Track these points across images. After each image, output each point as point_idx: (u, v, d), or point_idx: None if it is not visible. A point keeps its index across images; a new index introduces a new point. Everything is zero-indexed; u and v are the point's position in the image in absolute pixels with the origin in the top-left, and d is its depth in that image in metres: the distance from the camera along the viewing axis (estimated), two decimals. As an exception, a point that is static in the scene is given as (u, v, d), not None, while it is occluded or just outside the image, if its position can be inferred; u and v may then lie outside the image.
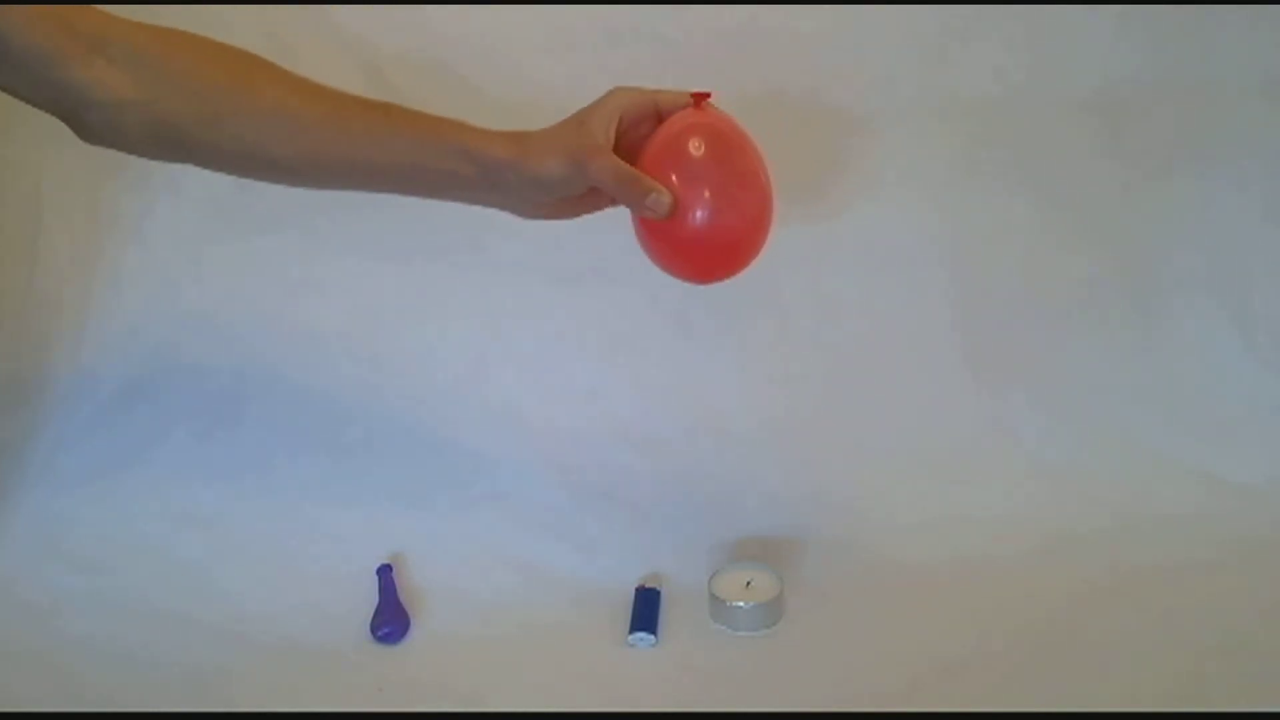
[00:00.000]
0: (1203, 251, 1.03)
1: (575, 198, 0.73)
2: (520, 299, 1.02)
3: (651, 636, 0.82)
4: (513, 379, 1.01)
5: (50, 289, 1.00)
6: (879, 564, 0.89)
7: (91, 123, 0.69)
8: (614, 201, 0.73)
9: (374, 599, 0.86)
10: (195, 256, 1.00)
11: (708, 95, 0.75)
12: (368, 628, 0.83)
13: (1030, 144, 1.01)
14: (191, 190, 0.99)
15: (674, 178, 0.70)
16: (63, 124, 0.70)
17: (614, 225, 1.01)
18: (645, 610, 0.84)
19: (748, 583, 0.85)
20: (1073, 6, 0.98)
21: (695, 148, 0.72)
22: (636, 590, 0.86)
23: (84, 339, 0.99)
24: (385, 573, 0.88)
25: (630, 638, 0.82)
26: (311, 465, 0.97)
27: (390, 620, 0.83)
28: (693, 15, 0.98)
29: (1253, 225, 1.02)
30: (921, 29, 0.98)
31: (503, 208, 0.74)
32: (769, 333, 1.02)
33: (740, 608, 0.83)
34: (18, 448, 0.95)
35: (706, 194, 0.71)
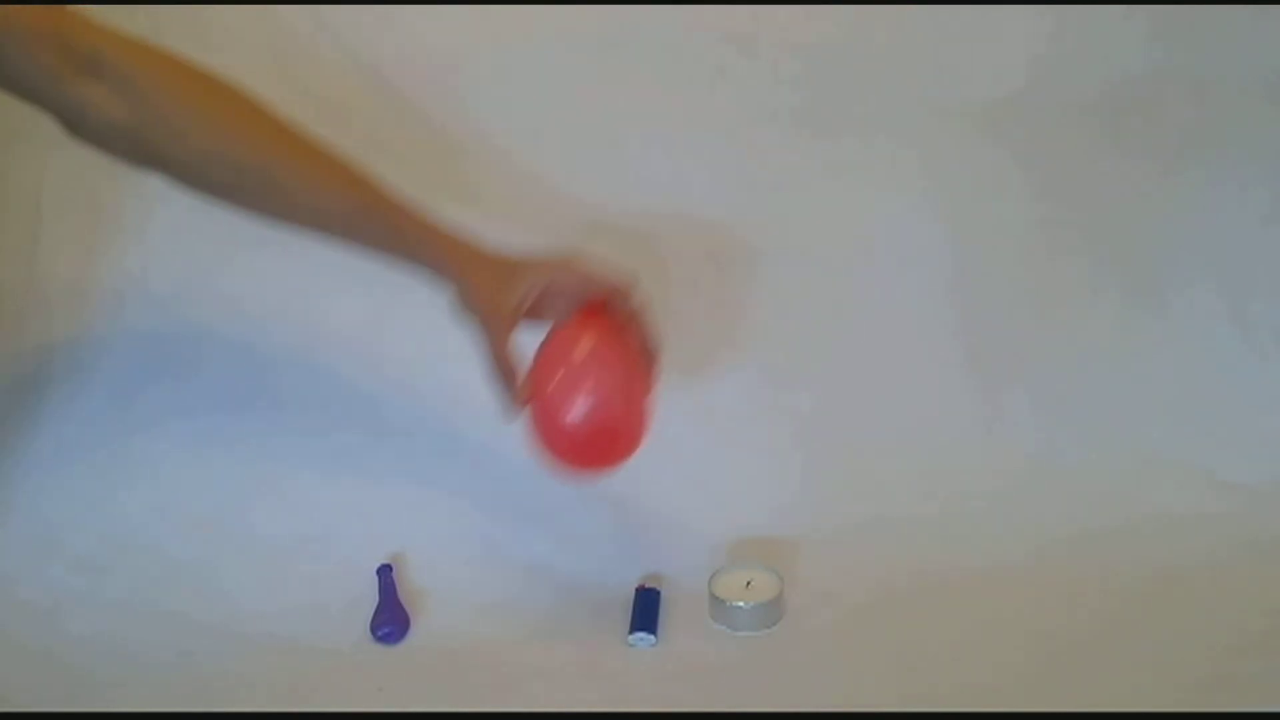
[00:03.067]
0: (1205, 252, 1.03)
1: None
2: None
3: (651, 636, 0.82)
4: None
5: (50, 289, 1.00)
6: (879, 564, 0.89)
7: (80, 133, 0.72)
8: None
9: (374, 599, 0.86)
10: (195, 257, 1.00)
11: (606, 303, 0.78)
12: (368, 628, 0.83)
13: (1032, 144, 1.01)
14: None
15: (550, 377, 0.76)
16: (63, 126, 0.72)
17: (612, 217, 1.02)
18: (645, 610, 0.84)
19: (748, 583, 0.85)
20: (1074, 6, 0.98)
21: (575, 353, 0.77)
22: (636, 590, 0.86)
23: (84, 339, 0.99)
24: (385, 573, 0.88)
25: (630, 638, 0.82)
26: (312, 465, 0.97)
27: (390, 620, 0.83)
28: (693, 15, 0.98)
29: (1255, 226, 1.02)
30: (923, 28, 0.98)
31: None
32: (769, 333, 1.02)
33: (740, 608, 0.83)
34: (18, 448, 0.95)
35: (572, 399, 0.76)
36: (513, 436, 0.99)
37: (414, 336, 1.01)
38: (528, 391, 0.76)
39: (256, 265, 1.00)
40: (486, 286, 0.76)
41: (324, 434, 0.98)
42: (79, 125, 0.71)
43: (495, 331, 0.76)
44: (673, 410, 1.00)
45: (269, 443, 0.97)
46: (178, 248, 1.00)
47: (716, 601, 0.84)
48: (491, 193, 1.00)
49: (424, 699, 0.76)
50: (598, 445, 0.78)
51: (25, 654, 0.81)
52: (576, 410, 0.76)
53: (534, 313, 0.77)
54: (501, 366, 0.76)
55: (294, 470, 0.97)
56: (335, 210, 0.76)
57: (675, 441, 0.99)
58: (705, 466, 0.98)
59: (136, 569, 0.89)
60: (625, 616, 0.84)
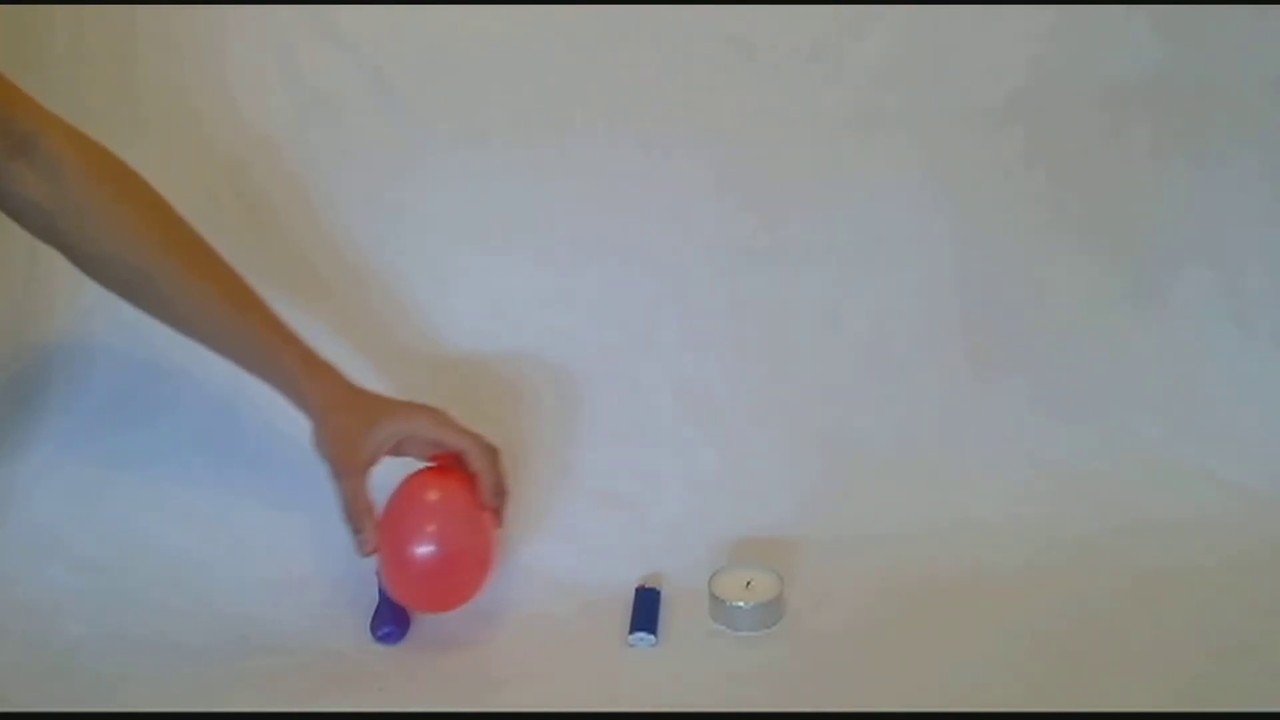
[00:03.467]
0: (1208, 252, 1.03)
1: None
2: (520, 298, 1.02)
3: (651, 636, 0.82)
4: (511, 380, 1.01)
5: (50, 290, 1.00)
6: (879, 564, 0.89)
7: (2, 203, 0.76)
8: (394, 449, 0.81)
9: (374, 599, 0.86)
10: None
11: (452, 459, 0.82)
12: (368, 628, 0.83)
13: (1034, 143, 1.01)
14: (193, 191, 0.99)
15: (398, 526, 0.79)
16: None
17: (614, 221, 1.02)
18: (645, 610, 0.84)
19: (748, 583, 0.85)
20: (1074, 6, 0.98)
21: (422, 501, 0.80)
22: (636, 590, 0.86)
23: (84, 339, 0.99)
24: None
25: (630, 638, 0.82)
26: (312, 465, 0.97)
27: (390, 620, 0.83)
28: (693, 15, 0.98)
29: (1258, 225, 1.02)
30: (924, 28, 0.98)
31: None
32: (769, 333, 1.02)
33: (740, 608, 0.83)
34: (18, 447, 0.95)
35: (415, 547, 0.79)
36: (512, 436, 0.99)
37: (414, 336, 1.01)
38: (374, 541, 0.80)
39: (259, 264, 1.00)
40: (343, 434, 0.80)
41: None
42: (2, 195, 0.75)
43: (346, 479, 0.79)
44: (673, 410, 1.01)
45: (269, 442, 0.97)
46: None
47: (716, 601, 0.84)
48: (492, 192, 1.00)
49: (424, 699, 0.76)
50: (440, 590, 0.81)
51: (25, 654, 0.81)
52: (419, 557, 0.78)
53: (392, 452, 0.81)
54: (351, 510, 0.79)
55: (294, 469, 0.96)
56: (212, 328, 0.81)
57: (675, 441, 0.99)
58: (705, 466, 0.98)
59: (136, 569, 0.89)
60: (625, 616, 0.84)
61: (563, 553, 0.91)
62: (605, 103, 1.00)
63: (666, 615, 0.85)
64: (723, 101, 1.00)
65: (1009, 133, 1.00)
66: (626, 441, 0.99)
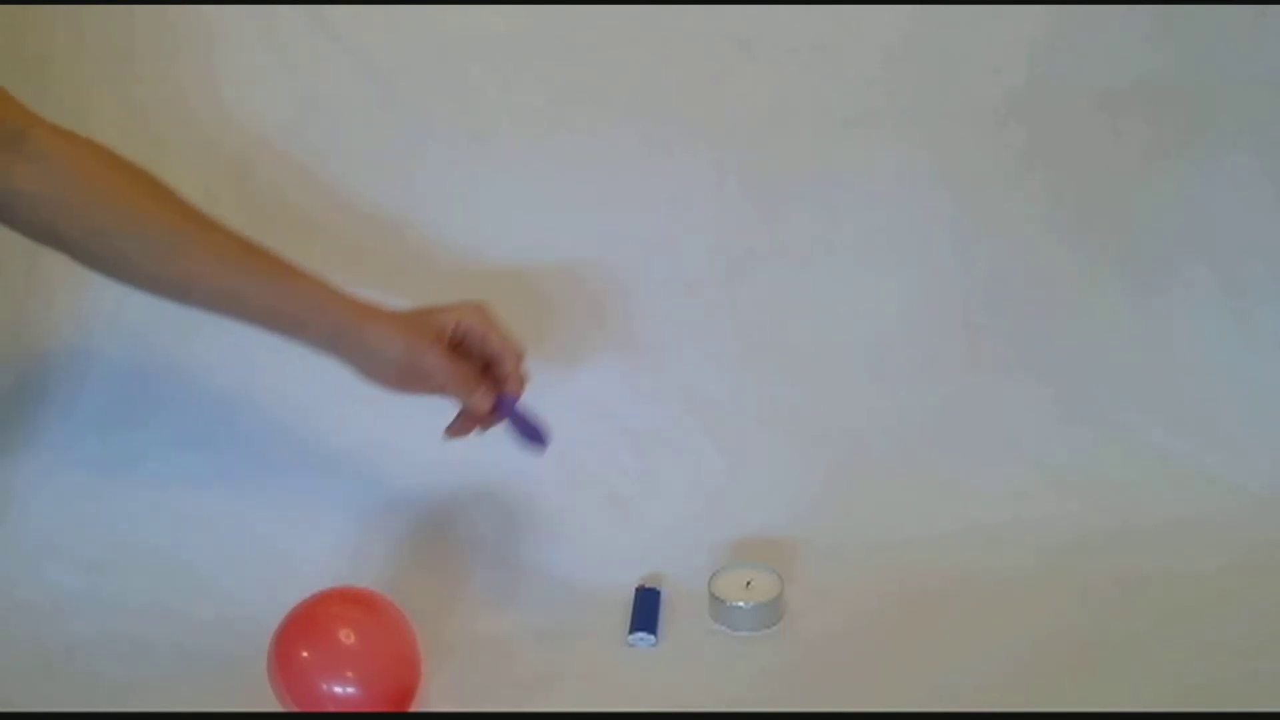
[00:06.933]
0: (1208, 252, 1.03)
1: (407, 379, 0.79)
2: (519, 298, 1.02)
3: (651, 636, 0.82)
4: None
5: (50, 290, 1.00)
6: (879, 564, 0.89)
7: None
8: (443, 389, 0.79)
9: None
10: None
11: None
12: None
13: (1034, 144, 1.01)
14: (192, 191, 0.99)
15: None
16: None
17: (614, 221, 1.02)
18: (645, 610, 0.84)
19: (748, 583, 0.85)
20: (1074, 6, 0.98)
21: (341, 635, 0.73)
22: (636, 590, 0.86)
23: (84, 340, 0.99)
24: (509, 403, 0.82)
25: (630, 638, 0.82)
26: (312, 465, 0.97)
27: (529, 436, 0.82)
28: (693, 15, 0.98)
29: (1261, 225, 1.02)
30: (924, 27, 0.98)
31: (349, 367, 0.79)
32: (770, 332, 1.02)
33: (740, 608, 0.83)
34: (18, 448, 0.95)
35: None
36: (510, 437, 0.99)
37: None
38: (489, 396, 0.79)
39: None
40: (412, 321, 0.78)
41: (325, 434, 0.98)
42: None
43: (435, 349, 0.77)
44: (673, 410, 1.01)
45: (270, 442, 0.97)
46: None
47: (716, 601, 0.84)
48: (491, 193, 1.00)
49: (424, 699, 0.76)
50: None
51: (25, 654, 0.81)
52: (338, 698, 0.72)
53: (449, 346, 0.79)
54: (452, 376, 0.78)
55: (294, 470, 0.97)
56: (244, 286, 0.77)
57: (675, 442, 0.99)
58: (705, 466, 0.98)
59: (136, 569, 0.89)
60: (625, 616, 0.84)
61: (563, 553, 0.91)
62: (606, 102, 1.00)
63: (666, 615, 0.85)
64: (723, 101, 1.00)
65: (1009, 133, 1.00)
66: (627, 442, 0.99)
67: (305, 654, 0.72)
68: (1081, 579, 0.86)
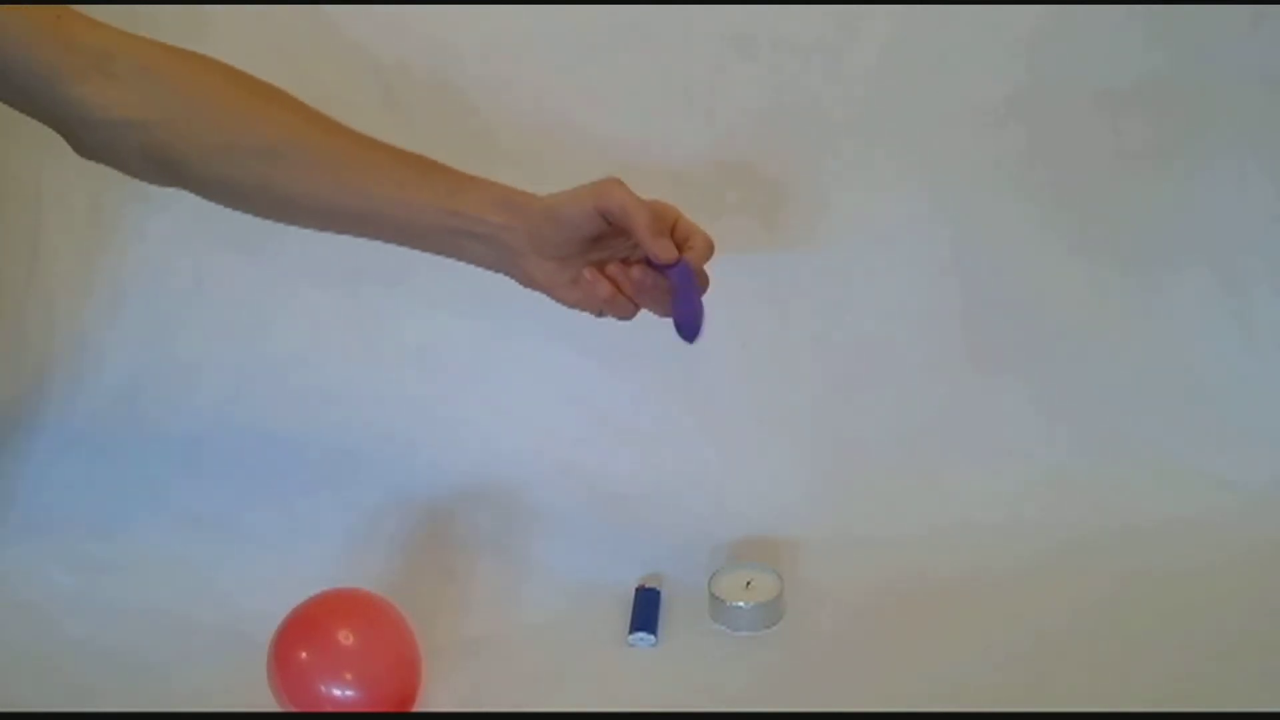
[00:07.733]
0: (1208, 252, 1.02)
1: (584, 244, 0.72)
2: (519, 297, 1.02)
3: (651, 636, 0.82)
4: (512, 379, 1.01)
5: (50, 290, 1.00)
6: (879, 564, 0.89)
7: (87, 140, 0.67)
8: (634, 227, 0.69)
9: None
10: (196, 258, 1.00)
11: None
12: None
13: (1034, 144, 1.01)
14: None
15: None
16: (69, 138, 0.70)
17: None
18: (645, 610, 0.84)
19: (748, 583, 0.85)
20: (1074, 6, 0.98)
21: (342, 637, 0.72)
22: (636, 590, 0.86)
23: (84, 340, 0.99)
24: (685, 270, 0.73)
25: (630, 638, 0.82)
26: (312, 465, 0.97)
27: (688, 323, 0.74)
28: (693, 15, 0.98)
29: (1261, 225, 1.02)
30: (924, 28, 0.98)
31: (510, 261, 0.73)
32: (770, 332, 1.02)
33: (740, 608, 0.83)
34: (17, 447, 0.95)
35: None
36: (510, 437, 0.99)
37: (414, 337, 1.02)
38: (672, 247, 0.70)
39: (259, 264, 1.00)
40: (581, 187, 0.70)
41: (325, 433, 0.98)
42: (84, 132, 0.66)
43: (622, 188, 0.68)
44: (673, 410, 1.01)
45: (270, 442, 0.97)
46: (178, 248, 1.00)
47: (716, 601, 0.84)
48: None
49: (424, 699, 0.76)
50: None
51: (25, 654, 0.81)
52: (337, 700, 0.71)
53: (607, 232, 0.71)
54: (649, 206, 0.68)
55: (294, 470, 0.97)
56: (381, 186, 0.69)
57: (675, 442, 0.99)
58: (705, 466, 0.98)
59: (136, 569, 0.89)
60: (625, 616, 0.84)
61: (563, 553, 0.91)
62: (605, 102, 1.00)
63: (666, 615, 0.85)
64: (723, 100, 1.00)
65: (1009, 133, 1.00)
66: (627, 441, 0.99)
67: (304, 655, 0.72)
68: (1080, 579, 0.86)
